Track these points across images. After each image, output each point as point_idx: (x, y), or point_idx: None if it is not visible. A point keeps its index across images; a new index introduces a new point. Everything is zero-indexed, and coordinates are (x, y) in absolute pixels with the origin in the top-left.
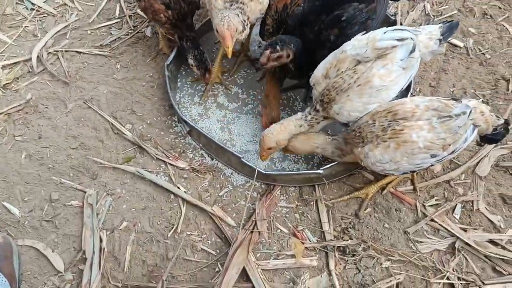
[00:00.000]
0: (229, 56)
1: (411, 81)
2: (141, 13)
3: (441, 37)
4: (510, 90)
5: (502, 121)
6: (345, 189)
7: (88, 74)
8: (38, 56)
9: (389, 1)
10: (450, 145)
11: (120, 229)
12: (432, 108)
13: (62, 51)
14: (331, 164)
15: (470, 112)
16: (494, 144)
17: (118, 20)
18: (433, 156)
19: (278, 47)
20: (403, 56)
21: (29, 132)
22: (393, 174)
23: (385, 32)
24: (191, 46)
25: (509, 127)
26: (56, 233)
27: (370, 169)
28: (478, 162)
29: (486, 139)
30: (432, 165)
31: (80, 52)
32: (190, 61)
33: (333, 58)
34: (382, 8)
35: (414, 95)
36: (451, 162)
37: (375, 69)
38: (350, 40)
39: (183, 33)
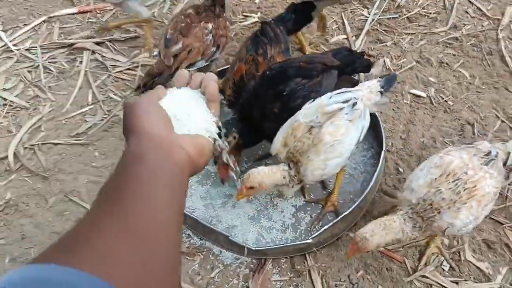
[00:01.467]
0: None
1: (383, 138)
2: (115, 97)
3: (382, 89)
4: (476, 135)
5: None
6: (335, 254)
7: (66, 166)
8: (14, 153)
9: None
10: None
11: None
12: (473, 154)
13: (38, 144)
14: (318, 232)
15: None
16: None
17: (92, 106)
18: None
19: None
20: (347, 110)
21: (11, 233)
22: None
23: (330, 97)
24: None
25: None
26: None
27: (451, 236)
28: None
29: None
30: None
31: (56, 144)
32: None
33: (289, 127)
34: (330, 80)
35: (389, 150)
36: None
37: (324, 128)
38: (294, 111)
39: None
